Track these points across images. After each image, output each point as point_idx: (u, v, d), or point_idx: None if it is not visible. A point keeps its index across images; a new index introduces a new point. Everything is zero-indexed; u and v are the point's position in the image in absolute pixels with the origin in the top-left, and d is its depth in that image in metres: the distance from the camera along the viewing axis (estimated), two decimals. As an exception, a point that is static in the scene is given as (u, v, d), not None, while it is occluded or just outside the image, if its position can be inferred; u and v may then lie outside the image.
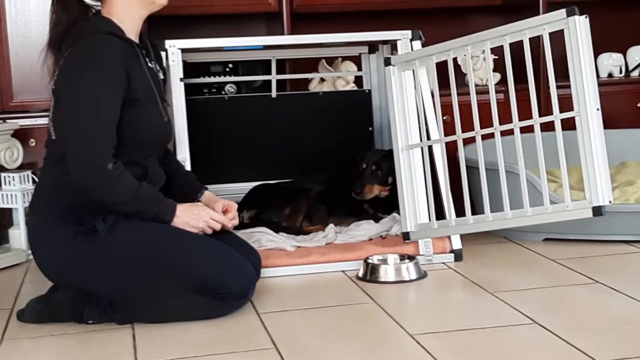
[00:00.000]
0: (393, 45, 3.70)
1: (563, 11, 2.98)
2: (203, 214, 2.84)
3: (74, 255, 2.75)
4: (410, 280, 3.17)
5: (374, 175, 3.72)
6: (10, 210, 3.79)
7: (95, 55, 2.71)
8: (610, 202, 2.96)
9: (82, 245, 2.73)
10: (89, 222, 2.73)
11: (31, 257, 3.67)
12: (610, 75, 4.68)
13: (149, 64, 2.89)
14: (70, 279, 2.79)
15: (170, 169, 3.04)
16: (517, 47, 3.14)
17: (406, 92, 3.45)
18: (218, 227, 2.87)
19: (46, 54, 2.86)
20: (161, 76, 2.98)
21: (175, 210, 2.79)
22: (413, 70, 3.43)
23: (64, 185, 2.73)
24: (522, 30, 3.10)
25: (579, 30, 2.94)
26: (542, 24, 3.05)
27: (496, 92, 3.30)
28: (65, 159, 2.70)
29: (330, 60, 4.32)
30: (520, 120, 3.13)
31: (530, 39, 3.10)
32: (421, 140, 3.40)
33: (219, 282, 2.73)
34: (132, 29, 2.84)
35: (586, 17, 2.97)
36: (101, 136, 2.67)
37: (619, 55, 4.67)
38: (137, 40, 2.87)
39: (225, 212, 2.95)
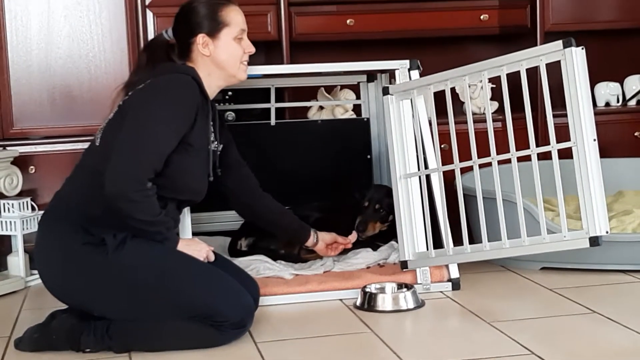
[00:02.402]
0: (391, 73, 3.72)
1: (560, 43, 2.99)
2: (203, 252, 2.91)
3: (79, 264, 2.78)
4: (408, 310, 3.17)
5: (377, 213, 3.73)
6: (9, 237, 3.80)
7: (174, 88, 2.86)
8: (607, 232, 2.96)
9: (88, 255, 2.77)
10: (99, 234, 2.78)
11: (30, 284, 3.69)
12: (607, 104, 4.70)
13: (211, 127, 3.01)
14: (70, 290, 2.82)
15: (273, 210, 3.34)
16: (514, 76, 3.15)
17: (404, 120, 3.46)
18: (212, 258, 2.95)
19: (118, 93, 3.00)
20: (219, 148, 3.12)
21: (177, 244, 2.86)
22: (411, 99, 3.45)
23: (86, 196, 2.82)
24: (520, 61, 3.11)
25: (575, 61, 2.96)
26: (539, 55, 3.06)
27: (494, 120, 3.31)
28: (97, 170, 2.77)
29: (329, 89, 4.35)
30: (517, 149, 3.14)
31: (527, 68, 3.12)
32: (419, 169, 3.42)
33: (217, 310, 2.74)
34: (208, 91, 3.00)
35: (583, 48, 2.98)
36: (151, 156, 2.77)
37: (616, 85, 4.69)
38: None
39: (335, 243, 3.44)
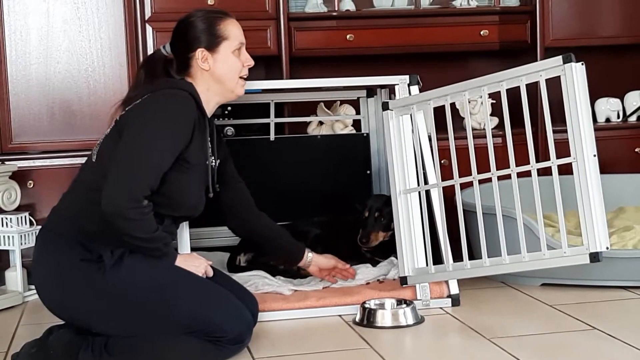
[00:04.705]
0: (391, 89, 3.72)
1: (559, 58, 2.98)
2: (201, 267, 2.90)
3: (76, 280, 2.76)
4: (408, 326, 3.16)
5: (378, 222, 3.71)
6: (7, 252, 3.79)
7: (172, 106, 2.85)
8: (607, 248, 2.95)
9: (85, 272, 2.75)
10: (97, 250, 2.77)
11: (27, 299, 3.68)
12: (608, 120, 4.70)
13: (208, 143, 3.01)
14: (68, 306, 2.80)
15: (268, 229, 3.31)
16: (514, 91, 3.15)
17: (404, 136, 3.46)
18: (211, 273, 2.94)
19: (117, 109, 2.99)
20: (217, 163, 3.10)
21: (175, 260, 2.85)
22: (411, 115, 3.44)
23: (83, 212, 2.80)
24: (519, 76, 3.11)
25: (575, 77, 2.95)
26: (539, 71, 3.06)
27: (494, 136, 3.31)
28: (94, 187, 2.76)
29: (329, 104, 4.34)
30: (517, 164, 3.13)
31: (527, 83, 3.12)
32: (419, 185, 3.41)
33: (216, 326, 2.73)
34: (206, 107, 2.99)
35: (582, 64, 2.97)
36: (147, 174, 2.75)
37: (617, 100, 4.70)
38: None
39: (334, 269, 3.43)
